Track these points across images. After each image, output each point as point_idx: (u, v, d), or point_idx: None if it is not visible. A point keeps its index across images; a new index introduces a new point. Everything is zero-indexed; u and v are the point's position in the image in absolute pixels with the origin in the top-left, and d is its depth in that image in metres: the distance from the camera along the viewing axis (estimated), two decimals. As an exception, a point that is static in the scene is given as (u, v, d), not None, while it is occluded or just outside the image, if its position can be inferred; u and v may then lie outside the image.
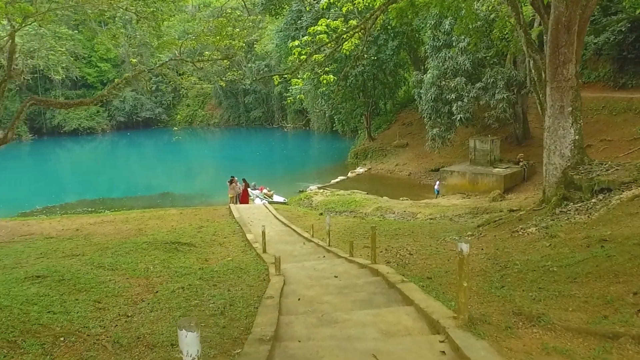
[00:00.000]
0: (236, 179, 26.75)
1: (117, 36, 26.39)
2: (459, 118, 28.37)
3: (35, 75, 60.06)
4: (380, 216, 21.91)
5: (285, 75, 18.51)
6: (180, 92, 78.39)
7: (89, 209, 27.93)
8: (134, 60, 23.38)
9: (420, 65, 39.88)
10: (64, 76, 60.36)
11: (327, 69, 20.23)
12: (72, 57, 60.62)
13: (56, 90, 65.03)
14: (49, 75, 59.56)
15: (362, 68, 36.31)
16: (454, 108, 28.60)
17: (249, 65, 65.04)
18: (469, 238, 11.55)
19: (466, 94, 28.04)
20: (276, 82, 20.34)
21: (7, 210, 28.36)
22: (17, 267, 10.62)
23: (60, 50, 50.06)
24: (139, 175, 44.66)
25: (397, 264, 8.86)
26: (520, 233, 9.63)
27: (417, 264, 8.51)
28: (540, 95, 12.81)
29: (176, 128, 74.30)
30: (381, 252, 10.57)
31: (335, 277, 8.13)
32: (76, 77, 64.63)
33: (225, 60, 25.88)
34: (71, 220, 21.09)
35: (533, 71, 13.27)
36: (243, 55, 64.04)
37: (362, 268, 8.57)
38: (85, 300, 6.98)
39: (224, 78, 28.03)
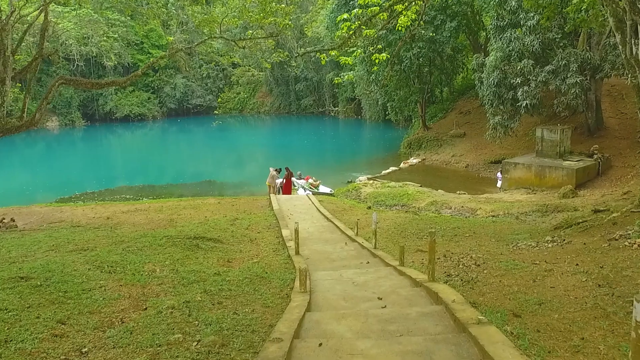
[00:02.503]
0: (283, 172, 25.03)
1: (160, 16, 25.18)
2: (524, 104, 25.47)
3: (89, 61, 60.85)
4: (435, 212, 19.73)
5: (332, 52, 16.51)
6: (231, 80, 77.78)
7: (128, 196, 26.98)
8: (171, 38, 22.02)
9: (480, 51, 36.95)
10: (116, 62, 60.87)
11: (379, 46, 18.10)
12: (124, 43, 61.04)
13: (108, 76, 65.33)
14: (102, 62, 60.04)
15: (418, 50, 33.74)
16: (519, 94, 25.68)
17: (300, 50, 63.41)
18: (550, 245, 9.28)
19: (533, 78, 25.13)
20: (323, 62, 18.51)
21: (51, 194, 27.99)
22: (17, 261, 9.37)
23: (112, 37, 50.16)
24: (185, 162, 43.87)
25: (461, 279, 6.77)
26: (625, 244, 7.32)
27: (490, 282, 6.36)
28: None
29: (216, 112, 73.51)
30: (439, 259, 8.47)
31: (379, 299, 6.07)
32: (128, 64, 64.84)
33: (270, 40, 24.25)
34: (105, 207, 20.07)
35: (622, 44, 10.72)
36: (294, 40, 62.58)
37: (416, 287, 6.46)
38: (46, 320, 5.29)
39: (268, 60, 26.47)
